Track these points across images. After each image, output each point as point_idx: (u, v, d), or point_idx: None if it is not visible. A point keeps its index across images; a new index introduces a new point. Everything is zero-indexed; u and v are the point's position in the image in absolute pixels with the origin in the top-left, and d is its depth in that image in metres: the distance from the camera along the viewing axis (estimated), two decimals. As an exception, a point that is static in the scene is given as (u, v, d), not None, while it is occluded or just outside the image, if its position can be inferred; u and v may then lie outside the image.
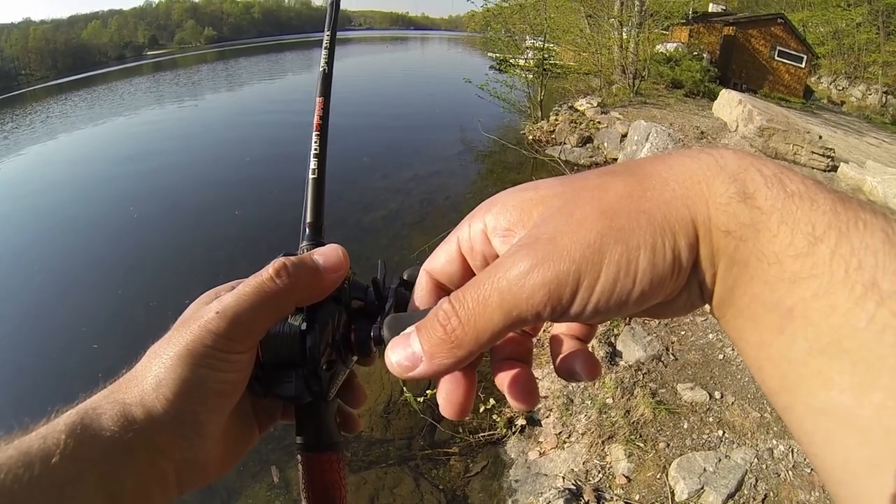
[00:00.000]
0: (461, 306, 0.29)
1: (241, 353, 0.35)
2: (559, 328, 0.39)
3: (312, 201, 0.46)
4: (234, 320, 0.35)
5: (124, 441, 0.31)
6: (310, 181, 0.47)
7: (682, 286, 0.28)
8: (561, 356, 0.37)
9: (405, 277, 0.40)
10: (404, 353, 0.32)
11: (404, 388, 3.57)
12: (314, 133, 0.48)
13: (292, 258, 0.39)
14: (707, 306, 0.30)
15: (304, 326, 0.38)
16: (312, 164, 0.47)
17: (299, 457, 0.42)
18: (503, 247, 0.32)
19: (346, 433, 0.47)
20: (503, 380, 0.37)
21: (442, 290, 0.36)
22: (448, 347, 0.30)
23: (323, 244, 0.45)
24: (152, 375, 0.34)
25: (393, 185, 8.50)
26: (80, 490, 0.29)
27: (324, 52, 0.51)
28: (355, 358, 0.44)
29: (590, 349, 0.38)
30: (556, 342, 0.39)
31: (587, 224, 0.27)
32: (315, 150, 0.47)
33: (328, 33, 0.52)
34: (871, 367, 0.22)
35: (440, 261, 0.36)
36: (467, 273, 0.35)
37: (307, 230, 0.45)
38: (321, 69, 0.51)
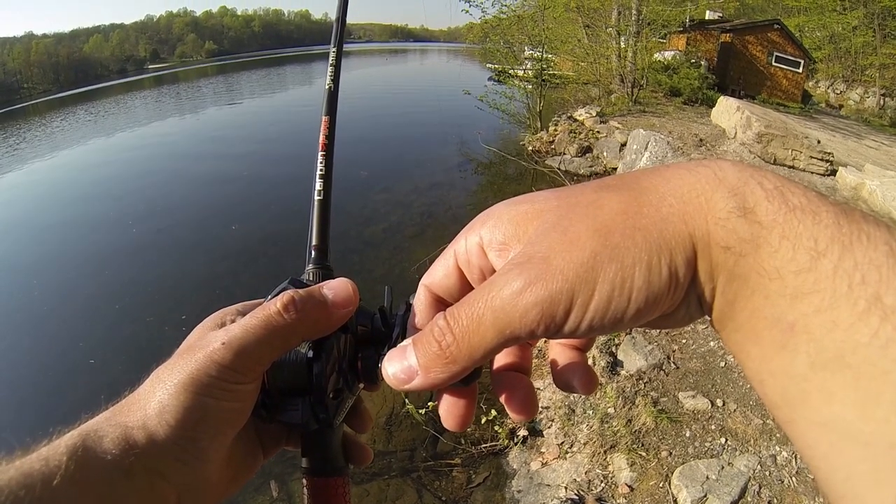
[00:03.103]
0: (456, 323, 0.30)
1: (245, 383, 0.35)
2: None
3: (318, 224, 0.45)
4: (239, 352, 0.34)
5: (125, 465, 0.31)
6: (315, 203, 0.46)
7: (681, 300, 0.28)
8: (558, 368, 0.37)
9: (411, 303, 0.40)
10: (400, 365, 0.32)
11: (406, 401, 3.56)
12: (320, 153, 0.47)
13: (301, 292, 0.38)
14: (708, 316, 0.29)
15: (310, 354, 0.38)
16: (318, 185, 0.46)
17: (304, 481, 0.42)
18: (499, 261, 0.32)
19: (356, 465, 0.46)
20: (502, 390, 0.37)
21: (441, 303, 0.36)
22: (443, 362, 0.30)
23: (329, 267, 0.44)
24: (156, 401, 0.33)
25: (393, 197, 8.52)
26: None
27: (329, 69, 0.50)
28: (362, 385, 0.43)
29: (589, 361, 0.38)
30: (554, 352, 0.39)
31: (581, 242, 0.27)
32: (321, 170, 0.46)
33: (334, 49, 0.51)
34: (874, 383, 0.21)
35: (438, 275, 0.36)
36: (465, 286, 0.35)
37: (313, 253, 0.45)
38: (327, 87, 0.50)
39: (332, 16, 0.56)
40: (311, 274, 0.44)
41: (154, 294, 5.99)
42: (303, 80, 35.03)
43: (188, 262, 6.83)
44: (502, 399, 0.37)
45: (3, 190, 12.15)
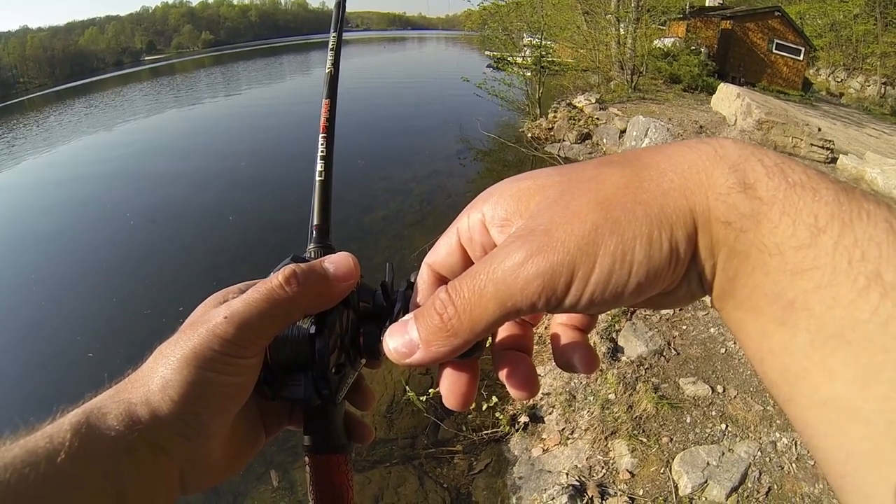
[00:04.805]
0: (457, 296, 0.30)
1: (247, 357, 0.35)
2: (559, 318, 0.39)
3: (319, 204, 0.46)
4: (241, 326, 0.34)
5: (128, 441, 0.32)
6: (316, 183, 0.46)
7: (682, 277, 0.28)
8: (560, 347, 0.38)
9: (412, 280, 0.40)
10: (402, 339, 0.32)
11: (407, 388, 3.57)
12: (321, 135, 0.47)
13: (302, 266, 0.38)
14: (708, 299, 0.29)
15: (312, 330, 0.38)
16: (319, 166, 0.46)
17: (307, 458, 0.42)
18: (501, 237, 0.32)
19: (358, 443, 0.46)
20: (504, 370, 0.37)
21: (443, 281, 0.36)
22: (444, 336, 0.30)
23: (330, 246, 0.45)
24: (158, 376, 0.34)
25: (393, 185, 8.49)
26: (84, 489, 0.29)
27: (330, 54, 0.51)
28: (364, 361, 0.44)
29: (590, 342, 0.38)
30: (556, 333, 0.39)
31: (582, 215, 0.27)
32: (322, 152, 0.47)
33: (334, 34, 0.52)
34: (874, 359, 0.21)
35: (441, 253, 0.36)
36: (467, 264, 0.35)
37: (314, 232, 0.45)
38: (327, 70, 0.50)
39: (330, 4, 0.56)
40: (312, 252, 0.44)
41: (152, 287, 5.97)
42: (300, 70, 34.85)
43: (186, 255, 6.81)
44: (503, 376, 0.37)
45: (1, 183, 12.13)
